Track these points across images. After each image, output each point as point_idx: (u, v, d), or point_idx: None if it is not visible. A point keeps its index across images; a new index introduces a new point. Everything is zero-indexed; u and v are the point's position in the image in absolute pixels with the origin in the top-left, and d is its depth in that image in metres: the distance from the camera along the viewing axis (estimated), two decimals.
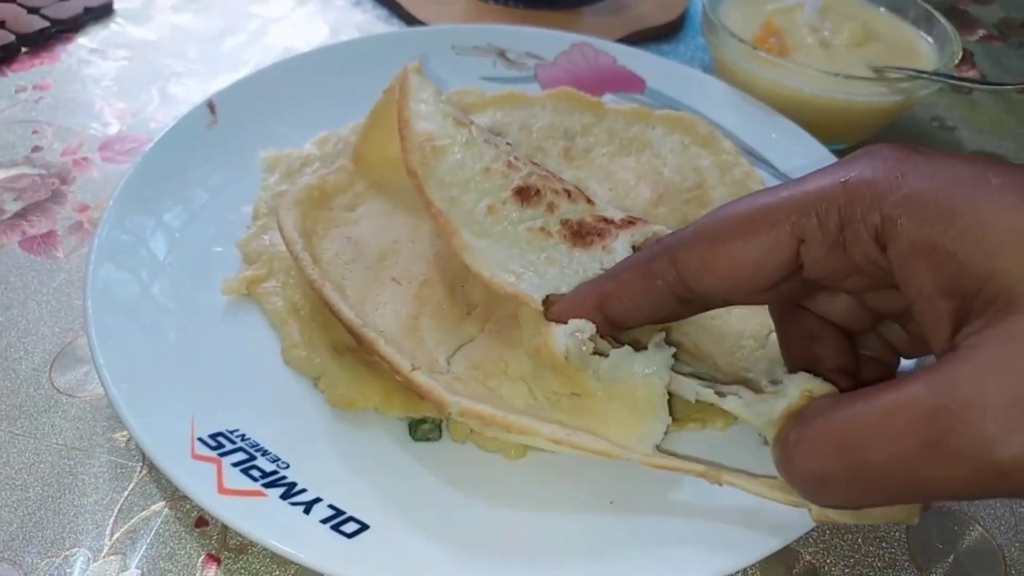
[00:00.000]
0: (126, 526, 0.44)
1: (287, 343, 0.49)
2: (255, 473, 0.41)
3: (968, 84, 0.83)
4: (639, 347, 0.40)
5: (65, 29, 0.80)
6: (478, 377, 0.45)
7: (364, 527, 0.40)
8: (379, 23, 0.88)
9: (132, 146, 0.68)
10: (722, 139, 0.66)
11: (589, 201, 0.47)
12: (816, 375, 0.37)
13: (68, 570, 0.42)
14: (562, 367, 0.40)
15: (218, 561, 0.43)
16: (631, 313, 0.40)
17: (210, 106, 0.61)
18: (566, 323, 0.40)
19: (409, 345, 0.46)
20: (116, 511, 0.44)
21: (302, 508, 0.40)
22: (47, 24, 0.78)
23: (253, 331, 0.49)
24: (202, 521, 0.44)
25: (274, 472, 0.42)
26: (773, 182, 0.64)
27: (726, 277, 0.37)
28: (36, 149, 0.67)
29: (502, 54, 0.74)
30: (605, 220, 0.45)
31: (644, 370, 0.39)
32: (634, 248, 0.44)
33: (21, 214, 0.61)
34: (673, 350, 0.40)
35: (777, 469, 0.36)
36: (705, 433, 0.46)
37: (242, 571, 0.42)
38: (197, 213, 0.55)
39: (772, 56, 0.71)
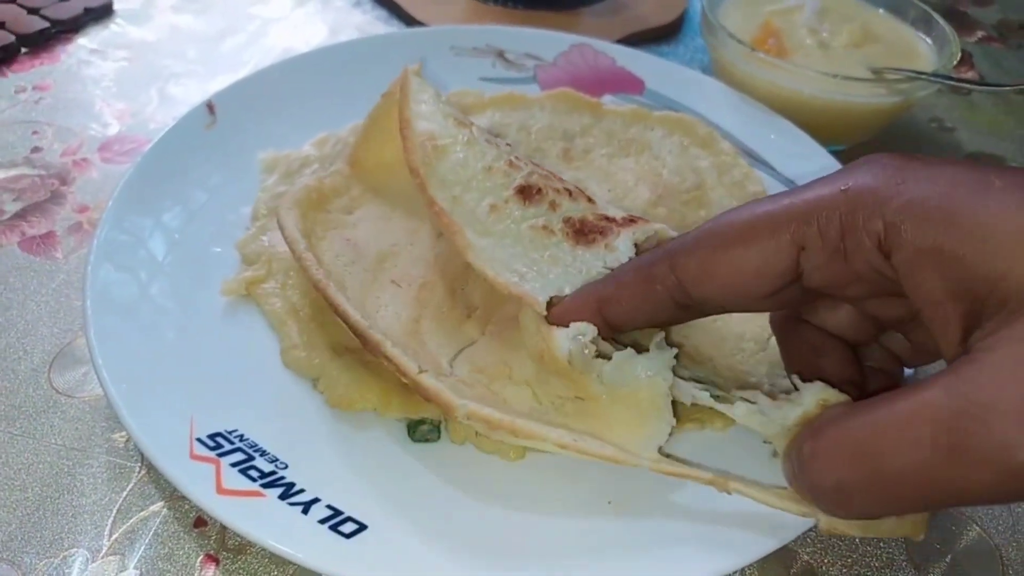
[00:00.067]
0: (125, 526, 0.44)
1: (286, 344, 0.49)
2: (253, 473, 0.42)
3: (967, 85, 0.83)
4: (639, 349, 0.40)
5: (65, 30, 0.80)
6: (482, 381, 0.45)
7: (362, 527, 0.40)
8: (378, 24, 0.88)
9: (131, 147, 0.68)
10: (721, 140, 0.66)
11: (590, 200, 0.47)
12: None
13: (67, 570, 0.42)
14: (565, 371, 0.40)
15: (217, 561, 0.43)
16: (630, 317, 0.40)
17: (209, 107, 0.61)
18: (566, 326, 0.40)
19: (411, 348, 0.46)
20: (115, 511, 0.44)
21: (300, 508, 0.40)
22: (47, 25, 0.79)
23: (252, 332, 0.50)
24: (201, 521, 0.44)
25: (272, 472, 0.42)
26: (772, 183, 0.64)
27: (726, 284, 0.37)
28: (36, 150, 0.67)
29: (501, 55, 0.74)
30: (607, 218, 0.45)
31: (647, 372, 0.39)
32: (636, 246, 0.44)
33: (20, 215, 0.61)
34: (675, 351, 0.40)
35: (788, 480, 0.35)
36: (704, 434, 0.46)
37: (241, 571, 0.42)
38: (196, 214, 0.55)
39: (771, 57, 0.71)
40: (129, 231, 0.52)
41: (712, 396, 0.40)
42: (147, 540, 0.43)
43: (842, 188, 0.34)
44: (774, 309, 0.40)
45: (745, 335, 0.51)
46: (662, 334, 0.41)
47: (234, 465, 0.42)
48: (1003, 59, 0.95)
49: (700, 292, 0.37)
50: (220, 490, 0.40)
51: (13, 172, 0.64)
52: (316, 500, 0.41)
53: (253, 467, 0.42)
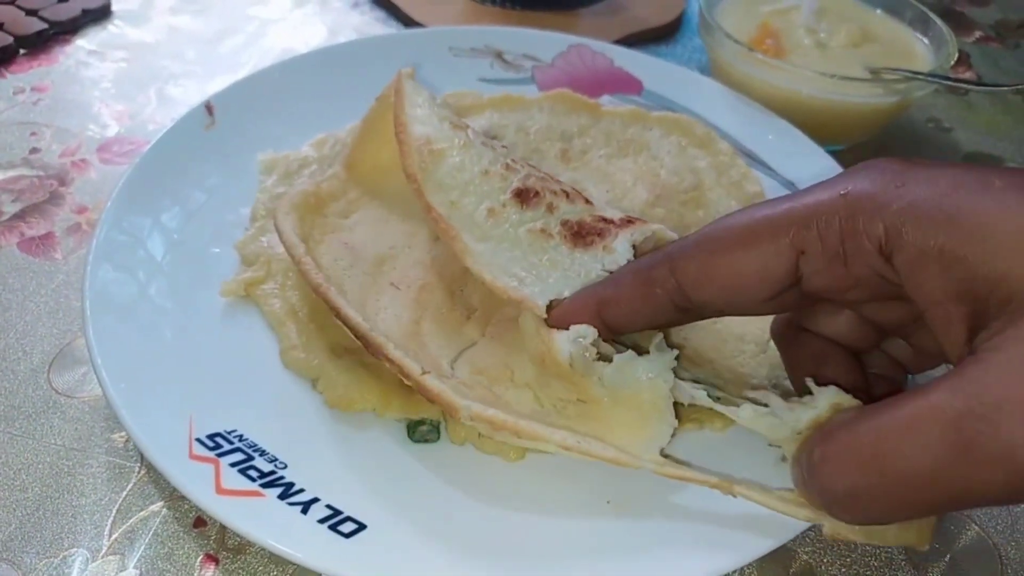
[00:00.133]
0: (124, 526, 0.44)
1: (285, 344, 0.49)
2: (253, 473, 0.42)
3: (964, 85, 0.83)
4: (639, 351, 0.40)
5: (63, 31, 0.80)
6: (483, 383, 0.45)
7: (362, 527, 0.40)
8: (377, 25, 0.88)
9: (130, 148, 0.68)
10: (719, 140, 0.66)
11: (587, 201, 0.47)
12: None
13: (66, 570, 0.42)
14: (566, 373, 0.40)
15: (216, 561, 0.43)
16: (629, 319, 0.40)
17: (208, 108, 0.61)
18: (566, 328, 0.40)
19: (412, 350, 0.46)
20: (114, 511, 0.44)
21: (300, 508, 0.41)
22: (45, 26, 0.78)
23: (251, 332, 0.50)
24: (200, 521, 0.44)
25: (272, 472, 0.42)
26: (770, 183, 0.64)
27: (725, 287, 0.37)
28: (34, 151, 0.67)
29: (499, 56, 0.74)
30: (604, 220, 0.45)
31: (648, 374, 0.39)
32: (634, 247, 0.44)
33: (19, 215, 0.61)
34: (676, 352, 0.40)
35: (797, 485, 0.35)
36: (703, 434, 0.46)
37: (240, 571, 0.43)
38: (195, 214, 0.55)
39: (768, 57, 0.71)
40: (128, 232, 0.52)
41: (713, 397, 0.40)
42: (147, 540, 0.43)
43: (841, 192, 0.34)
44: (773, 313, 0.40)
45: (746, 337, 0.51)
46: (661, 335, 0.41)
47: (233, 465, 0.42)
48: (1001, 59, 0.95)
49: (699, 295, 0.37)
50: (219, 490, 0.40)
51: (12, 173, 0.64)
52: (315, 500, 0.41)
53: (252, 467, 0.42)
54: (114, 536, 0.43)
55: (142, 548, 0.43)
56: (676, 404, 0.40)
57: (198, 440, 0.42)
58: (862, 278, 0.34)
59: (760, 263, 0.36)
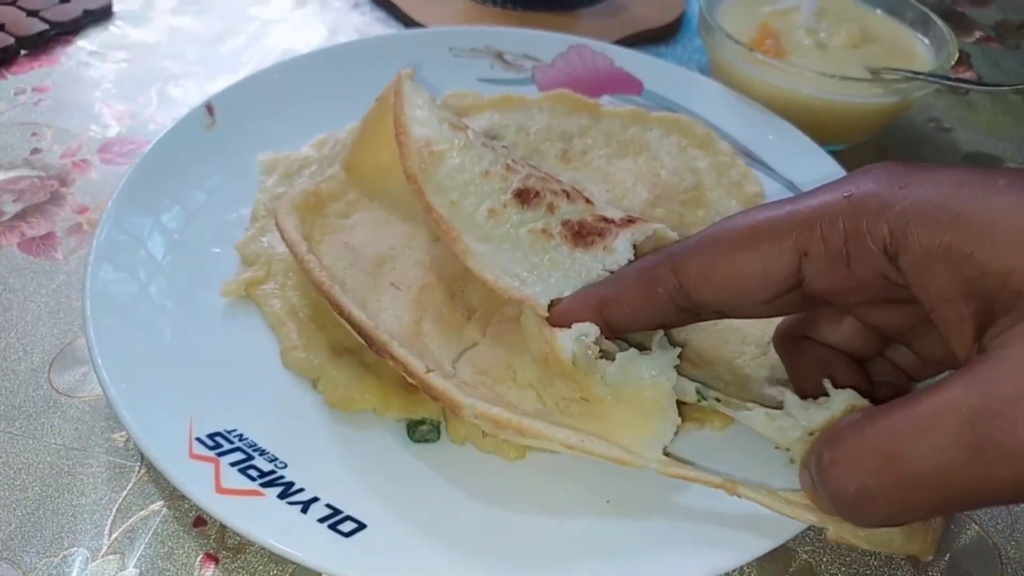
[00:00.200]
0: (124, 526, 0.44)
1: (285, 344, 0.49)
2: (253, 473, 0.42)
3: (965, 85, 0.83)
4: (641, 349, 0.40)
5: (64, 32, 0.80)
6: (486, 383, 0.45)
7: (361, 526, 0.40)
8: (377, 25, 0.88)
9: (131, 148, 0.68)
10: (719, 140, 0.66)
11: (588, 201, 0.47)
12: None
13: (67, 570, 0.42)
14: (569, 372, 0.40)
15: (216, 560, 0.43)
16: (630, 319, 0.40)
17: (208, 108, 0.61)
18: (568, 327, 0.40)
19: (415, 349, 0.46)
20: (114, 511, 0.44)
21: (300, 507, 0.41)
22: (46, 27, 0.79)
23: (251, 332, 0.50)
24: (200, 520, 0.44)
25: (272, 472, 0.42)
26: (770, 183, 0.64)
27: (726, 288, 0.37)
28: (35, 151, 0.67)
29: (500, 56, 0.74)
30: (605, 219, 0.45)
31: (651, 372, 0.39)
32: (634, 247, 0.44)
33: (20, 216, 0.61)
34: (679, 350, 0.40)
35: (806, 489, 0.35)
36: (703, 433, 0.46)
37: (240, 570, 0.43)
38: (195, 214, 0.56)
39: (769, 58, 0.71)
40: (129, 232, 0.52)
41: (715, 399, 0.40)
42: (147, 539, 0.43)
43: (845, 194, 0.34)
44: (774, 315, 0.40)
45: (747, 338, 0.51)
46: (662, 333, 0.41)
47: (233, 464, 0.42)
48: (1001, 59, 0.95)
49: (701, 295, 0.37)
50: (219, 489, 0.40)
51: (13, 173, 0.64)
52: (315, 499, 0.41)
53: (252, 466, 0.42)
54: (114, 535, 0.43)
55: (142, 547, 0.43)
56: (680, 403, 0.40)
57: (198, 439, 0.42)
58: (865, 280, 0.34)
59: (762, 264, 0.36)
